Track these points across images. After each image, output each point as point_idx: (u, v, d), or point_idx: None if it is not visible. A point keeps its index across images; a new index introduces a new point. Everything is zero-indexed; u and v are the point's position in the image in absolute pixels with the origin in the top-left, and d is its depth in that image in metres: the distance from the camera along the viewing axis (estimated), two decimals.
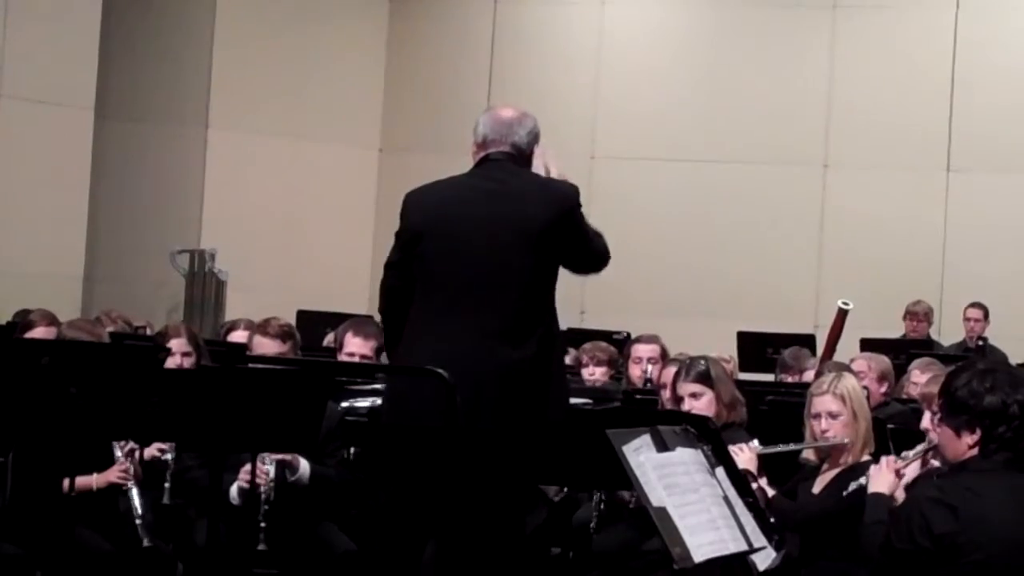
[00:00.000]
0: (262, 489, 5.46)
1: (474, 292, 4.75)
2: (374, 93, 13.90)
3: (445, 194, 4.94)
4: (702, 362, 5.86)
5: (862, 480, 4.91)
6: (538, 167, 4.98)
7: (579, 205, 4.86)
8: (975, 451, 3.77)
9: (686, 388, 5.78)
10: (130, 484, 5.49)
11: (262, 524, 5.41)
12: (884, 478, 4.70)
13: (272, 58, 13.11)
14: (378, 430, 5.08)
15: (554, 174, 4.98)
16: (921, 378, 7.47)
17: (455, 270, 4.79)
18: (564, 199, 4.85)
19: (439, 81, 13.74)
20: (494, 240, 4.76)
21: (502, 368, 4.66)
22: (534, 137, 4.99)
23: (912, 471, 4.87)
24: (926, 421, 5.19)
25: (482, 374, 4.64)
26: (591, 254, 4.92)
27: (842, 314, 8.88)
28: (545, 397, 4.71)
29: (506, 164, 4.91)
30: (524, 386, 4.67)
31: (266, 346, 6.34)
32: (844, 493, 5.06)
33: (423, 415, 4.66)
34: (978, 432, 3.77)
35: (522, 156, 4.95)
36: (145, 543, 5.37)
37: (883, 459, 4.86)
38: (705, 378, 5.78)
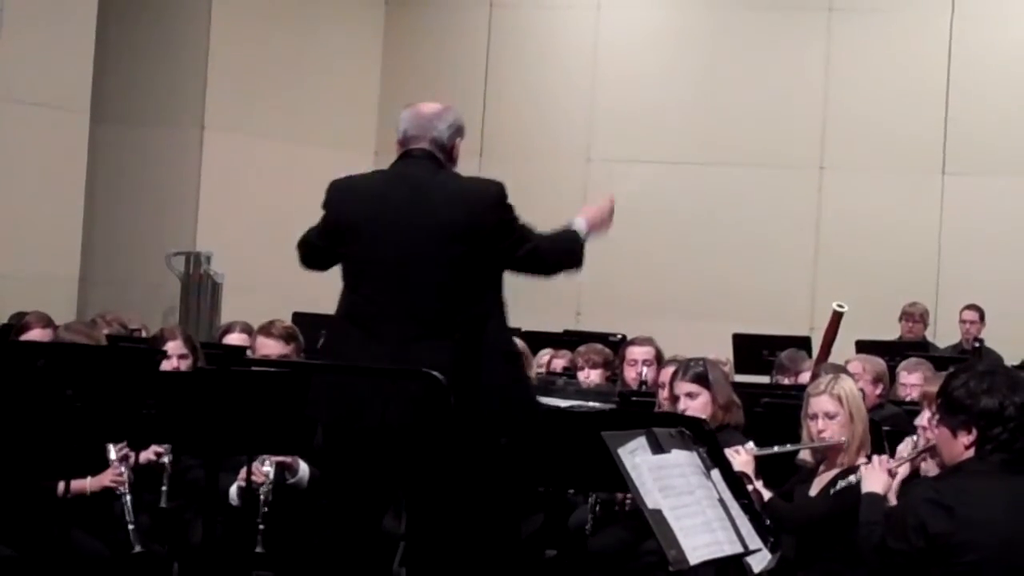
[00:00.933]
0: (261, 491, 5.45)
1: (395, 297, 4.70)
2: (370, 96, 13.90)
3: (368, 195, 4.86)
4: (700, 363, 5.88)
5: (851, 479, 4.92)
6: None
7: (501, 203, 4.78)
8: (971, 452, 3.78)
9: (682, 387, 5.79)
10: (124, 489, 5.47)
11: (260, 527, 5.40)
12: (877, 477, 4.71)
13: (268, 61, 13.10)
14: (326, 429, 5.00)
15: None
16: (909, 378, 7.50)
17: (377, 276, 4.75)
18: (480, 197, 4.79)
19: (435, 85, 13.72)
20: (411, 246, 4.70)
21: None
22: (456, 130, 4.91)
23: (905, 471, 4.87)
24: (922, 419, 5.20)
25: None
26: (532, 255, 4.82)
27: (837, 316, 8.87)
28: (467, 398, 4.60)
29: (424, 162, 4.84)
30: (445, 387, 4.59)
31: (269, 347, 6.36)
32: (832, 491, 5.06)
33: (361, 415, 4.63)
34: (974, 433, 3.78)
35: (443, 151, 4.88)
36: (136, 549, 5.36)
37: (875, 458, 4.86)
38: (702, 379, 5.79)
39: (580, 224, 5.00)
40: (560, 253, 4.94)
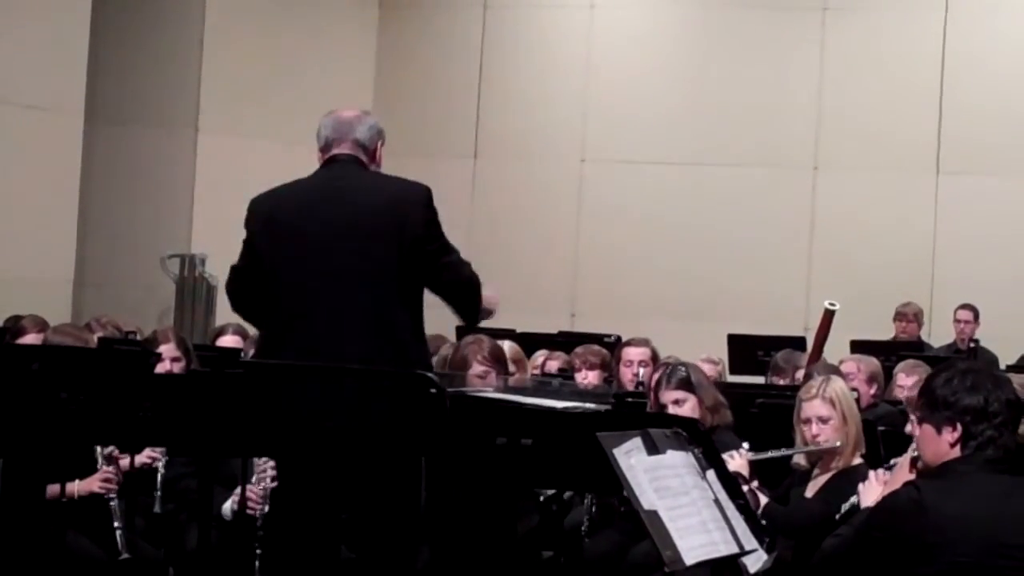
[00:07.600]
0: (258, 513, 5.40)
1: (321, 295, 4.70)
2: (364, 97, 13.87)
3: (285, 199, 4.92)
4: (683, 368, 5.86)
5: (854, 499, 4.91)
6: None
7: (428, 205, 4.78)
8: (956, 449, 3.75)
9: (669, 395, 5.77)
10: (112, 494, 5.44)
11: (258, 551, 5.36)
12: (876, 492, 4.70)
13: (262, 62, 13.10)
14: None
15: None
16: (907, 381, 7.49)
17: (299, 275, 4.74)
18: (406, 195, 4.79)
19: (429, 86, 13.75)
20: (336, 242, 4.71)
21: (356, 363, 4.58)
22: (376, 133, 4.97)
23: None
24: (912, 426, 5.18)
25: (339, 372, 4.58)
26: (450, 269, 4.80)
27: (828, 315, 8.83)
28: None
29: (350, 165, 4.88)
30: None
31: None
32: (837, 516, 5.04)
33: (320, 415, 4.57)
34: (959, 429, 3.75)
35: (367, 152, 4.92)
36: (124, 556, 5.33)
37: (872, 474, 4.85)
38: (687, 384, 5.78)
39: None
40: (473, 279, 4.89)
